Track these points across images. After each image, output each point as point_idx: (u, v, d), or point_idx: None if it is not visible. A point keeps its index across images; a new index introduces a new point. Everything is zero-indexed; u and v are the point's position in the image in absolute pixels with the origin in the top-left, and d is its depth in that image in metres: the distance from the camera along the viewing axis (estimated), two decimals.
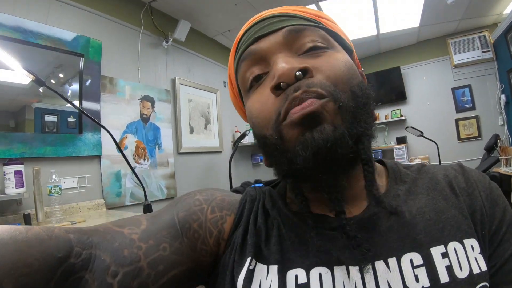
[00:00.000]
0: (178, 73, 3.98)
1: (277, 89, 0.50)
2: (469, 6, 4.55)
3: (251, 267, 0.52)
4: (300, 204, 0.54)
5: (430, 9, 4.51)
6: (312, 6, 4.08)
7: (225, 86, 4.95)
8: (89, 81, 2.74)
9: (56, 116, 2.49)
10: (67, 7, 2.67)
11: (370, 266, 0.48)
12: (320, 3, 4.04)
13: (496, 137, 4.53)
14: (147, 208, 1.68)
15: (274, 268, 0.51)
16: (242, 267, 0.52)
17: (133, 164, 3.14)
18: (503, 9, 4.72)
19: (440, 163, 4.45)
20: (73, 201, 2.55)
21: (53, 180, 2.17)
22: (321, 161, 0.47)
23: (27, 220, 2.06)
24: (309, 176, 0.51)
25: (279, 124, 0.50)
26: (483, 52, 5.29)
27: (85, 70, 2.72)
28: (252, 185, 0.70)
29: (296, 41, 0.54)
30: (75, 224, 2.10)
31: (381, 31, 5.20)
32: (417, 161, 5.28)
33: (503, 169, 3.76)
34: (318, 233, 0.52)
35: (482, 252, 0.50)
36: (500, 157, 4.04)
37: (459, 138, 5.57)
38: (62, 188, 2.23)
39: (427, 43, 5.81)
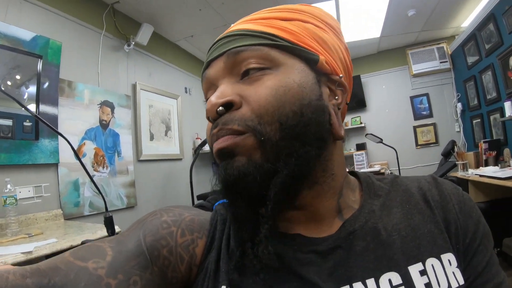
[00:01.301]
0: (139, 78, 3.85)
1: (209, 120, 0.52)
2: (429, 19, 4.79)
3: None
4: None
5: (391, 20, 4.70)
6: None
7: (186, 92, 4.86)
8: (46, 83, 2.58)
9: (11, 120, 2.31)
10: (26, 5, 2.51)
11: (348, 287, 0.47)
12: None
13: (453, 143, 4.80)
14: (108, 221, 1.59)
15: None
16: None
17: (91, 172, 2.99)
18: (461, 22, 5.01)
19: (399, 169, 4.64)
20: (30, 212, 2.38)
21: (8, 190, 2.03)
22: (235, 193, 0.48)
23: None
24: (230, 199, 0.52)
25: (212, 149, 0.52)
26: (441, 62, 5.59)
27: (43, 72, 2.56)
28: (220, 201, 0.64)
29: (235, 64, 0.52)
30: (31, 236, 1.98)
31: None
32: (376, 167, 5.50)
33: (460, 174, 3.97)
34: (293, 255, 0.50)
35: (459, 265, 0.51)
36: (457, 162, 4.25)
37: (417, 144, 5.83)
38: (17, 198, 2.08)
39: (387, 53, 6.04)
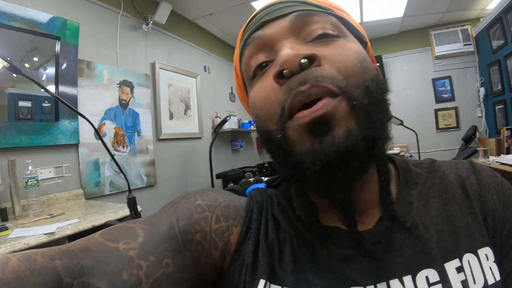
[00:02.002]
0: (157, 57, 3.84)
1: (280, 77, 0.46)
2: None
3: None
4: (308, 214, 0.52)
5: (415, 0, 4.51)
6: None
7: (205, 70, 4.85)
8: (65, 65, 2.60)
9: (30, 102, 2.35)
10: None
11: (385, 286, 0.45)
12: None
13: (474, 128, 4.66)
14: (131, 202, 1.62)
15: None
16: None
17: (112, 151, 3.03)
18: (487, 4, 4.79)
19: (419, 152, 4.56)
20: (51, 193, 2.45)
21: (29, 172, 2.08)
22: (331, 174, 0.43)
23: (3, 215, 1.96)
24: (318, 185, 0.48)
25: (284, 121, 0.46)
26: (464, 45, 5.39)
27: (62, 53, 2.57)
28: (254, 186, 0.64)
29: (305, 27, 0.50)
30: (53, 217, 2.03)
31: (365, 20, 5.18)
32: (396, 149, 5.40)
33: (481, 160, 3.85)
34: (332, 251, 0.49)
35: (496, 260, 0.48)
36: (478, 148, 4.15)
37: (437, 128, 5.70)
38: (39, 180, 2.13)
39: (409, 34, 5.85)
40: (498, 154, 4.03)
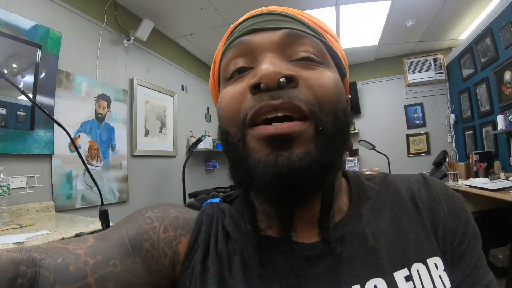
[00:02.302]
0: (136, 73, 3.83)
1: (255, 88, 0.47)
2: (427, 30, 4.85)
3: None
4: (249, 220, 0.53)
5: (390, 29, 4.75)
6: None
7: (182, 89, 4.85)
8: (43, 74, 2.56)
9: (5, 109, 2.28)
10: None
11: None
12: None
13: (445, 153, 4.86)
14: (103, 214, 1.59)
15: None
16: None
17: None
18: (459, 35, 5.08)
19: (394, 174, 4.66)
20: (21, 202, 2.35)
21: (0, 179, 2.01)
22: (279, 189, 0.45)
23: None
24: (264, 194, 0.51)
25: (244, 127, 0.48)
26: (436, 73, 5.67)
27: (42, 62, 2.53)
28: (209, 201, 0.65)
29: (292, 46, 0.51)
30: (23, 227, 1.96)
31: (342, 47, 5.27)
32: (368, 173, 5.48)
33: (450, 184, 4.02)
34: (281, 260, 0.50)
35: (446, 268, 0.51)
36: (448, 172, 4.33)
37: (409, 153, 5.89)
38: (10, 188, 2.06)
39: (384, 61, 6.09)
40: (467, 177, 4.23)
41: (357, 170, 5.63)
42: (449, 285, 0.49)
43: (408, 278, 0.48)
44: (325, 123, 0.46)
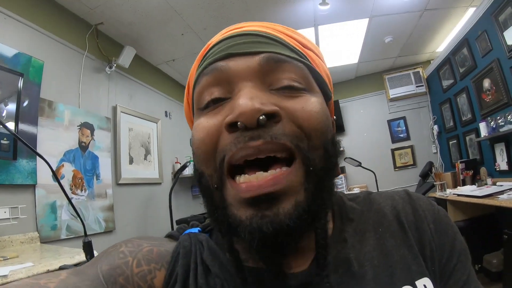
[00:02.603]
0: (119, 101, 3.81)
1: (232, 126, 0.43)
2: (405, 45, 5.00)
3: None
4: (235, 261, 0.49)
5: (369, 47, 4.88)
6: None
7: (166, 116, 4.84)
8: (26, 102, 2.51)
9: None
10: (10, 21, 2.48)
11: None
12: None
13: (431, 164, 4.92)
14: (87, 246, 1.53)
15: None
16: None
17: (69, 195, 2.89)
18: (436, 47, 5.24)
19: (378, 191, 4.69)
20: (5, 234, 2.25)
21: None
22: (268, 248, 0.43)
23: None
24: (252, 253, 0.49)
25: (222, 173, 0.45)
26: (417, 86, 5.80)
27: (24, 91, 2.49)
28: (188, 231, 0.61)
29: (272, 73, 0.46)
30: (6, 259, 1.88)
31: (325, 63, 5.41)
32: (356, 190, 5.51)
33: (438, 194, 4.04)
34: None
35: None
36: (435, 183, 4.36)
37: (395, 167, 5.94)
38: None
39: (364, 78, 6.21)
40: (455, 186, 4.26)
41: (344, 187, 5.67)
42: None
43: None
44: (314, 160, 0.44)
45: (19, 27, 2.57)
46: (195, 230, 0.60)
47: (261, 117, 0.41)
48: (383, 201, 0.59)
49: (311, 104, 0.46)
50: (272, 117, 0.42)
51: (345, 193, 0.64)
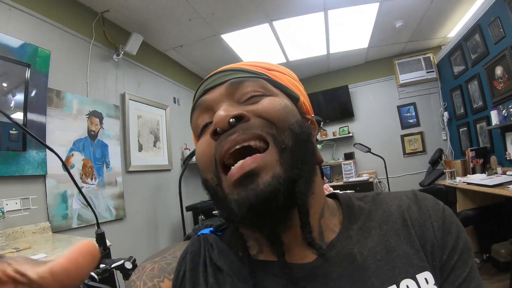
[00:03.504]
0: (127, 88, 3.81)
1: (215, 134, 0.53)
2: (416, 30, 4.91)
3: None
4: (241, 249, 0.57)
5: (379, 31, 4.80)
6: (265, 25, 4.18)
7: (174, 102, 4.84)
8: (34, 92, 2.52)
9: None
10: (15, 12, 2.47)
11: None
12: (274, 22, 4.11)
13: (440, 151, 4.87)
14: (100, 237, 1.56)
15: None
16: None
17: (80, 184, 2.92)
18: (448, 33, 5.14)
19: (387, 177, 4.69)
20: (17, 225, 2.30)
21: None
22: (255, 216, 0.49)
23: None
24: (247, 225, 0.56)
25: (218, 172, 0.54)
26: (427, 72, 5.72)
27: (31, 81, 2.50)
28: (201, 232, 0.68)
29: (237, 91, 0.58)
30: (19, 251, 1.91)
31: (331, 51, 5.42)
32: (365, 176, 5.54)
33: (448, 182, 4.02)
34: (272, 282, 0.53)
35: (437, 283, 0.52)
36: (445, 170, 4.33)
37: (404, 153, 5.92)
38: (4, 211, 2.01)
39: (374, 63, 6.14)
40: (465, 174, 4.24)
41: (353, 173, 5.67)
42: None
43: None
44: (284, 140, 0.52)
45: (24, 18, 2.56)
46: (208, 230, 0.68)
47: (231, 120, 0.52)
48: (390, 200, 0.63)
49: (269, 101, 0.56)
50: (241, 118, 0.53)
51: (355, 194, 0.69)
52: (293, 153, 0.52)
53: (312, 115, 0.67)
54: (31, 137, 1.49)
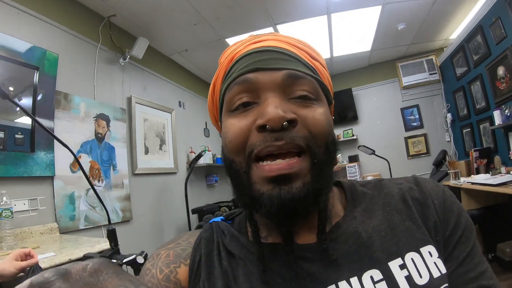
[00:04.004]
0: (134, 91, 3.87)
1: (262, 127, 0.53)
2: (418, 32, 4.93)
3: None
4: (254, 234, 0.59)
5: (381, 34, 4.82)
6: (269, 29, 4.21)
7: (180, 106, 4.88)
8: (40, 95, 2.56)
9: (3, 132, 2.28)
10: (24, 16, 2.53)
11: (334, 287, 0.52)
12: (278, 26, 4.15)
13: (444, 152, 4.87)
14: (111, 234, 1.60)
15: None
16: None
17: (87, 185, 2.96)
18: (449, 35, 5.14)
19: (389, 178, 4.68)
20: (25, 225, 2.34)
21: (3, 202, 1.98)
22: (284, 213, 0.52)
23: None
24: (270, 218, 0.58)
25: (251, 160, 0.55)
26: (430, 74, 5.73)
27: (39, 84, 2.55)
28: (212, 220, 0.72)
29: (291, 85, 0.57)
30: None
31: (335, 54, 5.44)
32: (369, 178, 5.49)
33: (452, 182, 4.02)
34: (283, 261, 0.57)
35: (441, 256, 0.55)
36: (449, 171, 4.34)
37: (408, 155, 5.91)
38: (13, 211, 2.04)
39: (377, 66, 6.15)
40: (469, 175, 4.25)
41: (358, 176, 5.67)
42: (445, 271, 0.53)
43: (403, 266, 0.53)
44: (318, 154, 0.54)
45: (32, 22, 2.61)
46: (219, 218, 0.72)
47: (284, 123, 0.52)
48: (392, 185, 0.66)
49: (319, 114, 0.57)
50: (292, 122, 0.53)
51: (358, 181, 0.73)
52: (322, 167, 0.55)
53: (333, 117, 0.67)
54: (47, 132, 1.53)
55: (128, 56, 3.62)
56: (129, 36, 3.83)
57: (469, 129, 4.90)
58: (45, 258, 1.72)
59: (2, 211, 1.97)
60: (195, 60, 4.94)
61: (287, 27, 4.23)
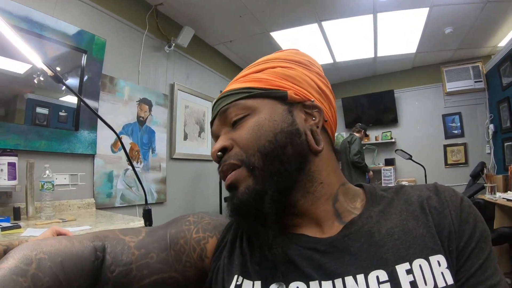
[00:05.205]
0: (177, 79, 3.97)
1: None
2: (466, 37, 4.70)
3: (238, 283, 0.60)
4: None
5: (427, 37, 4.65)
6: (314, 25, 4.20)
7: None
8: (86, 77, 2.69)
9: (47, 109, 2.41)
10: (74, 2, 2.65)
11: (341, 282, 0.54)
12: (323, 22, 4.10)
13: (483, 165, 4.62)
14: (147, 213, 1.67)
15: (258, 284, 0.59)
16: (230, 283, 0.61)
17: (125, 166, 3.10)
18: (498, 42, 4.88)
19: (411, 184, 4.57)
20: (64, 198, 2.49)
21: (46, 176, 2.11)
22: (241, 216, 0.62)
23: (16, 213, 1.99)
24: (235, 218, 0.66)
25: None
26: (475, 81, 5.46)
27: (87, 67, 2.68)
28: None
29: (226, 119, 0.67)
30: (65, 221, 2.04)
31: (379, 54, 5.32)
32: (404, 183, 5.35)
33: (487, 196, 3.83)
34: (297, 251, 0.60)
35: (450, 267, 0.54)
36: (485, 185, 4.12)
37: (446, 164, 5.70)
38: (54, 184, 2.17)
39: (421, 69, 5.95)
40: (505, 190, 4.01)
41: (393, 180, 5.57)
42: (451, 282, 0.53)
43: (409, 271, 0.53)
44: (253, 162, 0.60)
45: (83, 7, 2.74)
46: None
47: (218, 153, 0.64)
48: (413, 192, 0.66)
49: (245, 129, 0.63)
50: (225, 150, 0.64)
51: (379, 186, 0.75)
52: (264, 170, 0.60)
53: (312, 100, 0.68)
54: (100, 120, 1.61)
55: (173, 44, 3.71)
56: (175, 25, 3.92)
57: (511, 143, 4.63)
58: (81, 230, 1.81)
59: (44, 184, 2.10)
60: (239, 51, 4.99)
61: (332, 24, 4.18)
